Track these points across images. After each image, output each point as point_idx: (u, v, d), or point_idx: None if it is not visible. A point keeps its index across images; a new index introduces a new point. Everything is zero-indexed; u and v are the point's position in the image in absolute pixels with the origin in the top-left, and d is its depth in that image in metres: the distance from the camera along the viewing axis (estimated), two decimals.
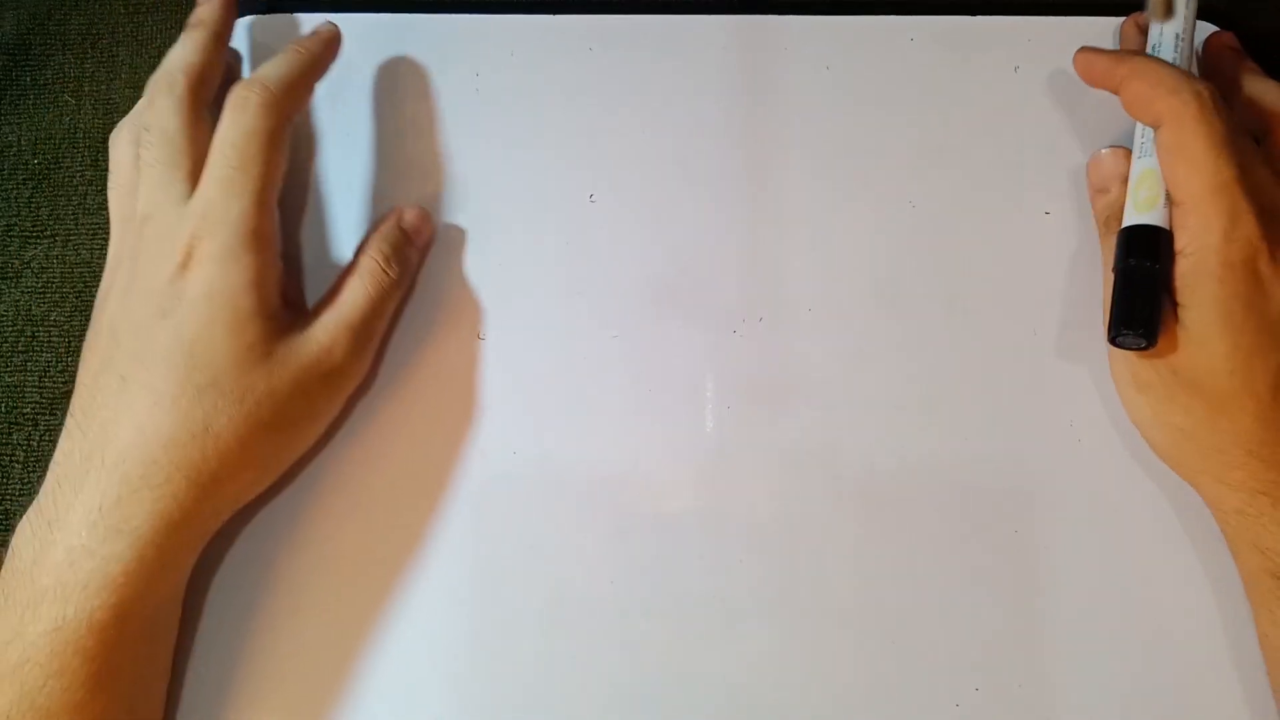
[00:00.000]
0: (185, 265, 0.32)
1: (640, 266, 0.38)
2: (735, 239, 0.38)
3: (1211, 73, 0.38)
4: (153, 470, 0.30)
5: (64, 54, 0.43)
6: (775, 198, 0.38)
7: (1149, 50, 0.36)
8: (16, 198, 0.42)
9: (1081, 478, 0.35)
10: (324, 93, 0.39)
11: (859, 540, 0.35)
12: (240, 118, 0.33)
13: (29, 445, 0.39)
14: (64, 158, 0.42)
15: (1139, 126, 0.35)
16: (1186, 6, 0.36)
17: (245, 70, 0.40)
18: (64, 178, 0.42)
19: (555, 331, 0.37)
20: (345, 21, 0.38)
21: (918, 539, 0.35)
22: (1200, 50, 0.38)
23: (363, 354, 0.35)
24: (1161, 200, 0.33)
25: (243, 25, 0.40)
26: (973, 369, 0.37)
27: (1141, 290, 0.33)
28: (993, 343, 0.37)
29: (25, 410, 0.40)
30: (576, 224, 0.38)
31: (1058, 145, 0.39)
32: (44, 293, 0.41)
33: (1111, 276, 0.34)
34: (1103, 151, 0.37)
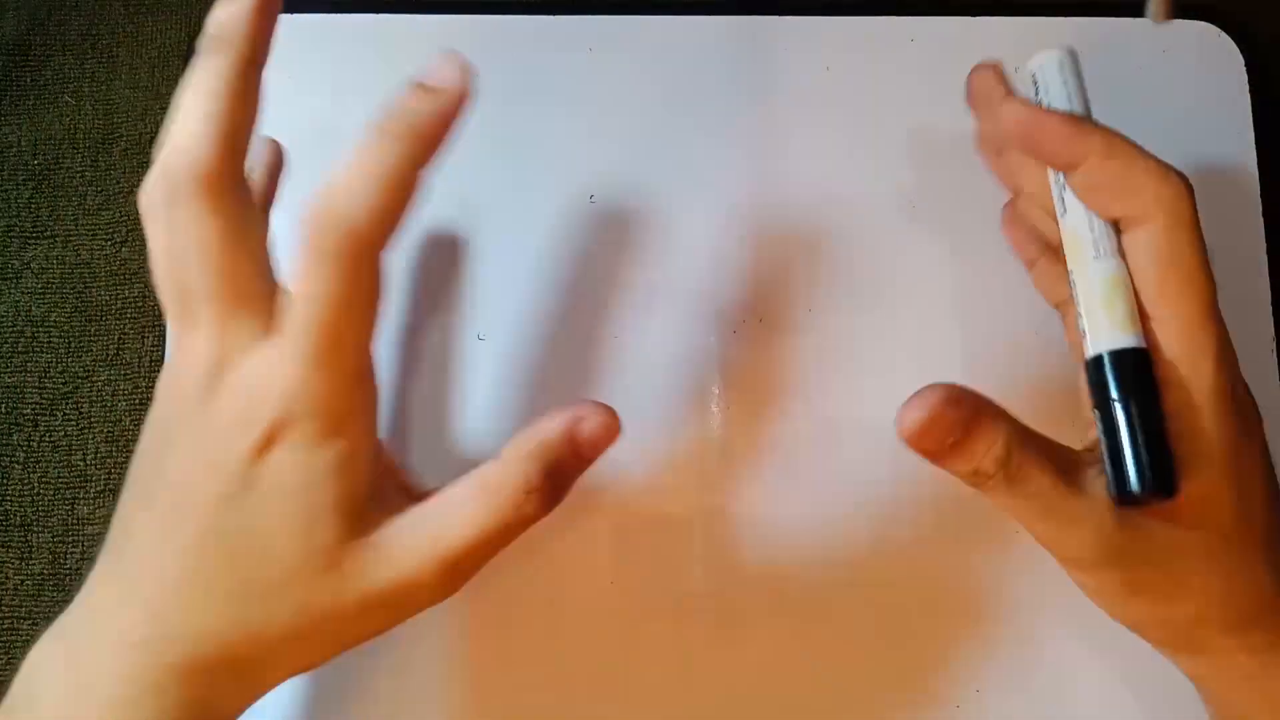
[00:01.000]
0: (266, 449, 0.26)
1: (640, 266, 0.38)
2: (735, 239, 0.38)
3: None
4: (195, 664, 0.26)
5: (64, 54, 0.43)
6: (775, 198, 0.38)
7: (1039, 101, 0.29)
8: (16, 198, 0.42)
9: None
10: (324, 93, 0.39)
11: (860, 540, 0.35)
12: (320, 281, 0.25)
13: (29, 446, 0.39)
14: (64, 158, 0.42)
15: (1081, 211, 0.28)
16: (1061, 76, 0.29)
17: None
18: (64, 178, 0.42)
19: (555, 331, 0.37)
20: (345, 21, 0.38)
21: (919, 538, 0.35)
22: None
23: (452, 589, 0.27)
24: (1136, 313, 0.27)
25: None
26: (973, 369, 0.37)
27: (1154, 436, 0.26)
28: (994, 342, 0.37)
29: (25, 411, 0.40)
30: (576, 224, 0.38)
31: None
32: (44, 293, 0.41)
33: (1090, 399, 0.28)
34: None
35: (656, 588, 0.35)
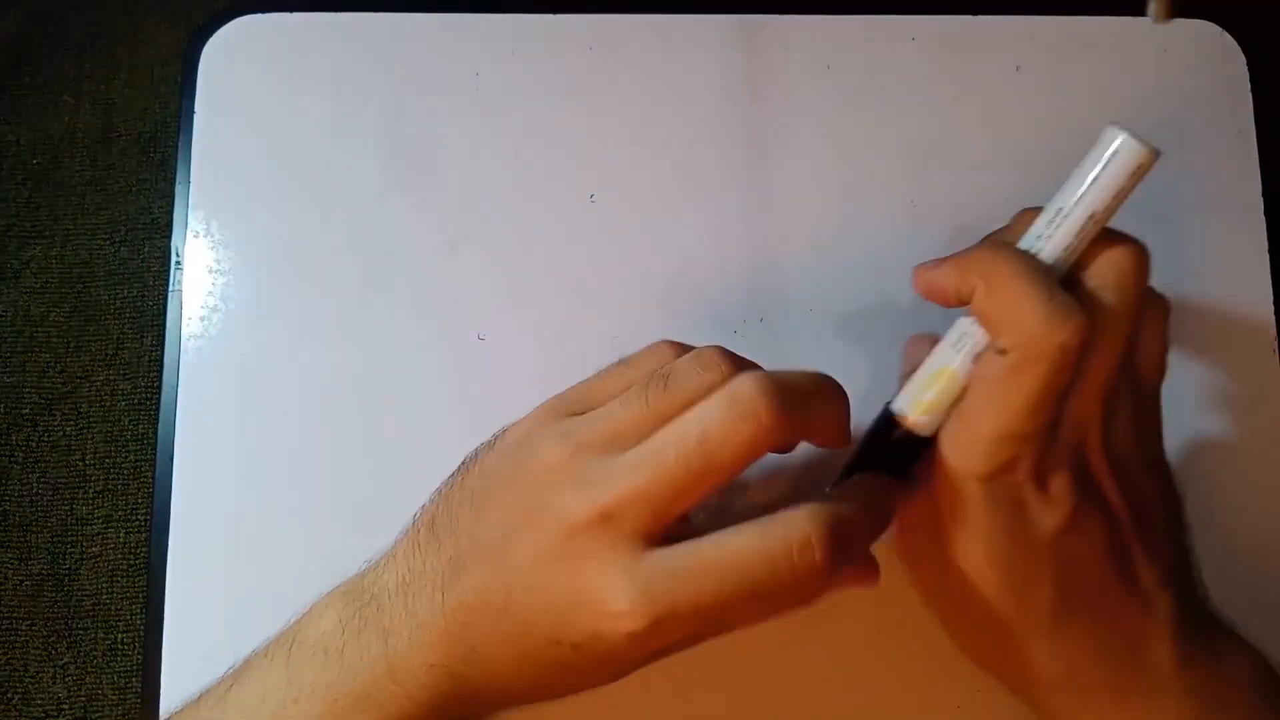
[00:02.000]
0: (605, 521, 0.27)
1: (640, 266, 0.38)
2: (735, 239, 0.38)
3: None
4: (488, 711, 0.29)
5: (64, 54, 0.43)
6: (775, 198, 0.38)
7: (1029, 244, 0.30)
8: (16, 198, 0.42)
9: None
10: (324, 93, 0.38)
11: None
12: (730, 423, 0.26)
13: (28, 446, 0.39)
14: (64, 158, 0.42)
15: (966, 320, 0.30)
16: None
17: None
18: (64, 178, 0.42)
19: (555, 331, 0.37)
20: (345, 21, 0.38)
21: None
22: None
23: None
24: (938, 403, 0.29)
25: (239, 26, 0.40)
26: None
27: (861, 466, 0.31)
28: None
29: (24, 411, 0.40)
30: (576, 224, 0.38)
31: (1058, 145, 0.39)
32: (43, 293, 0.41)
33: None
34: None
35: None
